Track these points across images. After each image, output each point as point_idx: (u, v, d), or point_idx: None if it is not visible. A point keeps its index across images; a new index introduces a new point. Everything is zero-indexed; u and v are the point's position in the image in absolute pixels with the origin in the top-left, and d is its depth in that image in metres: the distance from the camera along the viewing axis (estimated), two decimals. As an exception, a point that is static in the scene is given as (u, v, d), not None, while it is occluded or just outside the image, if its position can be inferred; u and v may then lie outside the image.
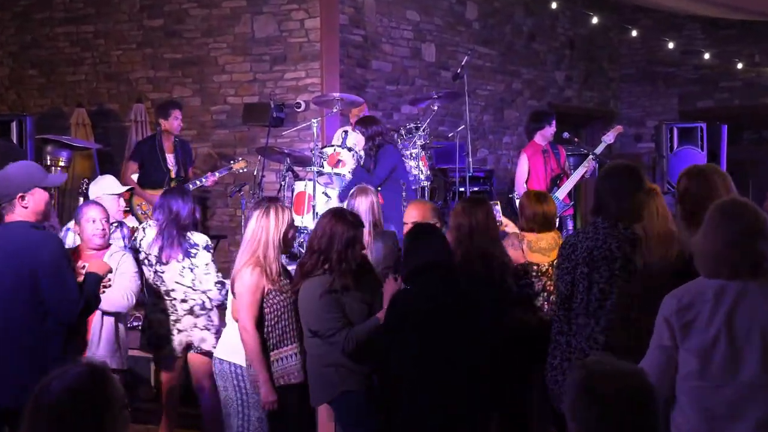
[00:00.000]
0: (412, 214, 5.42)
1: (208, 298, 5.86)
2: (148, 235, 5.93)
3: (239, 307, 4.85)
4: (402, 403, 4.17)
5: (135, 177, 8.76)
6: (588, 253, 4.19)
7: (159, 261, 5.84)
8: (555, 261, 5.00)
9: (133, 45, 11.07)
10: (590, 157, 8.67)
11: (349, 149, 8.53)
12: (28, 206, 4.38)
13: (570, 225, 8.83)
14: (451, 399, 4.13)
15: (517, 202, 10.68)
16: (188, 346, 5.89)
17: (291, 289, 4.86)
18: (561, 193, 8.63)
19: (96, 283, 4.58)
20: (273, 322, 4.83)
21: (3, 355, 4.33)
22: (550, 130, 8.92)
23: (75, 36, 11.38)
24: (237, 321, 4.97)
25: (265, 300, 4.82)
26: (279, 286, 4.85)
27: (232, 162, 8.30)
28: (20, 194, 4.36)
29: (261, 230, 4.86)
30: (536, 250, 5.58)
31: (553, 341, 4.31)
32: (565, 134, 8.93)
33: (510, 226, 6.00)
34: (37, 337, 4.32)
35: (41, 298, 4.29)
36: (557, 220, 6.54)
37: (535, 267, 5.51)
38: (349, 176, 8.34)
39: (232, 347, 5.11)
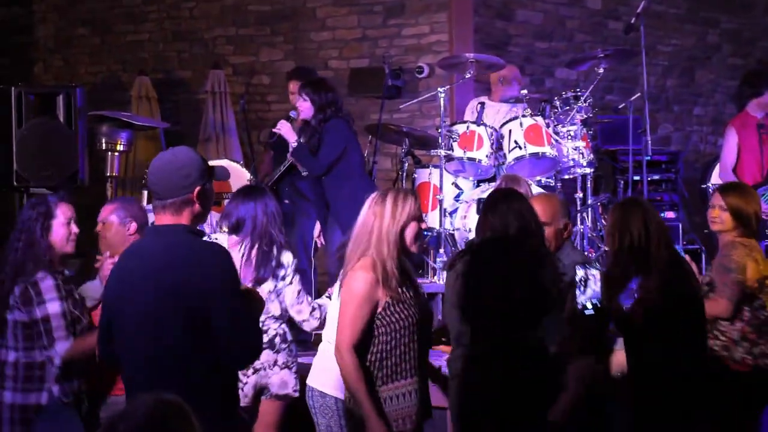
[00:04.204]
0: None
1: (286, 330, 6.07)
2: (225, 245, 5.95)
3: (340, 320, 4.88)
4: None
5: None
6: None
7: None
8: None
9: (209, -6, 11.41)
10: None
11: (487, 126, 8.61)
12: (201, 204, 4.18)
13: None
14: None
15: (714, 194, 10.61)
16: (260, 392, 6.02)
17: None
18: (784, 186, 8.51)
19: (259, 312, 4.52)
20: (388, 347, 4.84)
21: None
22: None
23: (136, -16, 11.80)
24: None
25: (379, 316, 4.83)
26: (398, 296, 4.87)
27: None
28: (199, 187, 4.15)
29: (373, 221, 4.89)
30: (762, 260, 5.65)
31: None
32: (778, 104, 8.81)
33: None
34: (189, 389, 3.83)
35: (208, 336, 4.04)
36: None
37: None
38: (486, 161, 8.43)
39: (336, 376, 5.16)
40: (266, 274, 5.94)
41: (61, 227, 5.55)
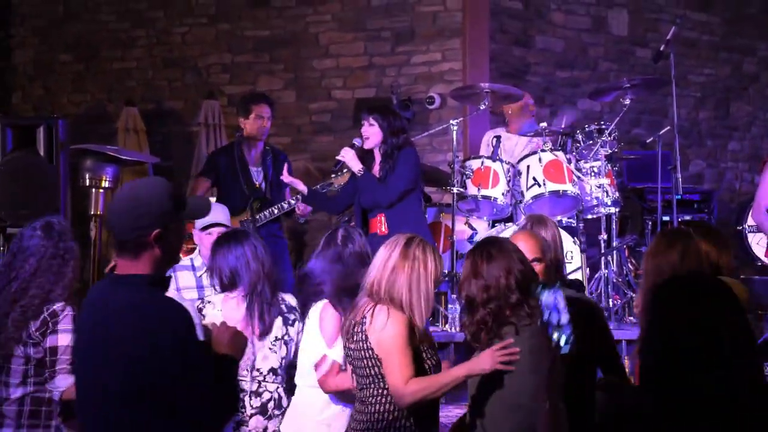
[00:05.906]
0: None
1: (283, 395, 5.85)
2: (219, 307, 5.88)
3: (387, 367, 4.75)
4: None
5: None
6: None
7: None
8: None
9: (202, 19, 11.51)
10: None
11: (503, 162, 8.64)
12: (162, 249, 3.84)
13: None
14: None
15: (751, 236, 10.62)
16: None
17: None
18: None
19: (234, 369, 4.08)
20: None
21: None
22: None
23: (124, 7, 11.87)
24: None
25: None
26: (430, 340, 4.91)
27: (333, 177, 8.32)
28: (157, 230, 3.82)
29: (407, 266, 4.81)
30: None
31: None
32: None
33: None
34: None
35: (165, 401, 3.73)
36: None
37: None
38: (502, 200, 8.47)
39: (300, 418, 5.37)
40: (271, 321, 5.80)
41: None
